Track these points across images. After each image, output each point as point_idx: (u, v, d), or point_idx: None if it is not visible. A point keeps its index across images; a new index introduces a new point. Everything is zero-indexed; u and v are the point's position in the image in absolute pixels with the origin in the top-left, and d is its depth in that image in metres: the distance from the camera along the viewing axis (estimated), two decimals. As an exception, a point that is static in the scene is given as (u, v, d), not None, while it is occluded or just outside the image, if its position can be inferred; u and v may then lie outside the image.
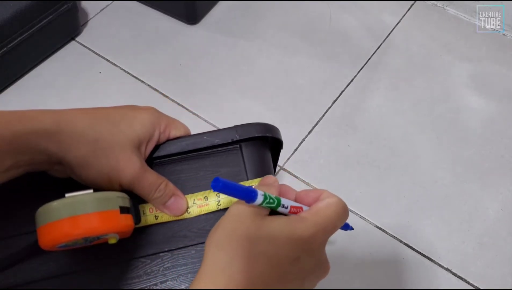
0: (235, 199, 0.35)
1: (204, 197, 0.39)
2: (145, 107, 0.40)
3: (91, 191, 0.33)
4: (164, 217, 0.38)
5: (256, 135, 0.42)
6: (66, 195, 0.33)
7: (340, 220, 0.33)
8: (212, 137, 0.41)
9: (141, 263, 0.37)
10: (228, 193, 0.30)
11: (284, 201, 0.33)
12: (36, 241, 0.33)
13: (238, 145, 0.42)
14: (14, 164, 0.34)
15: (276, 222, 0.31)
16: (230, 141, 0.41)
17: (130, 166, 0.36)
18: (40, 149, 0.34)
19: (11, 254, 0.37)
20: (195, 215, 0.39)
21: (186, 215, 0.39)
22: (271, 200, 0.31)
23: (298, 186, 0.88)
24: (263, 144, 0.43)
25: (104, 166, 0.35)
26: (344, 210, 0.34)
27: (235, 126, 0.42)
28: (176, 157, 0.41)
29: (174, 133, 0.41)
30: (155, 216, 0.38)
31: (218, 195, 0.39)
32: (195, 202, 0.39)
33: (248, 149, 0.42)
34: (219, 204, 0.39)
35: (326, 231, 0.33)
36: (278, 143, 0.44)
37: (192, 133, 0.43)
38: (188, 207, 0.39)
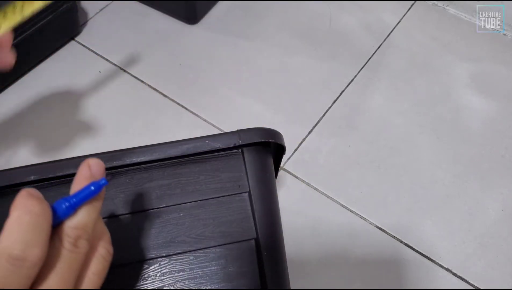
0: None
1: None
2: None
3: None
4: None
5: (258, 140, 0.41)
6: None
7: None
8: (214, 141, 0.41)
9: (138, 267, 0.37)
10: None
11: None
12: None
13: (240, 150, 0.42)
14: None
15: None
16: (232, 145, 0.41)
17: None
18: None
19: None
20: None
21: None
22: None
23: (298, 186, 0.87)
24: (265, 149, 0.43)
25: None
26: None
27: (238, 131, 0.42)
28: (177, 160, 0.41)
29: None
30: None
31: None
32: None
33: (250, 154, 0.41)
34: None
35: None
36: (280, 148, 0.44)
37: (193, 136, 0.42)
38: None
